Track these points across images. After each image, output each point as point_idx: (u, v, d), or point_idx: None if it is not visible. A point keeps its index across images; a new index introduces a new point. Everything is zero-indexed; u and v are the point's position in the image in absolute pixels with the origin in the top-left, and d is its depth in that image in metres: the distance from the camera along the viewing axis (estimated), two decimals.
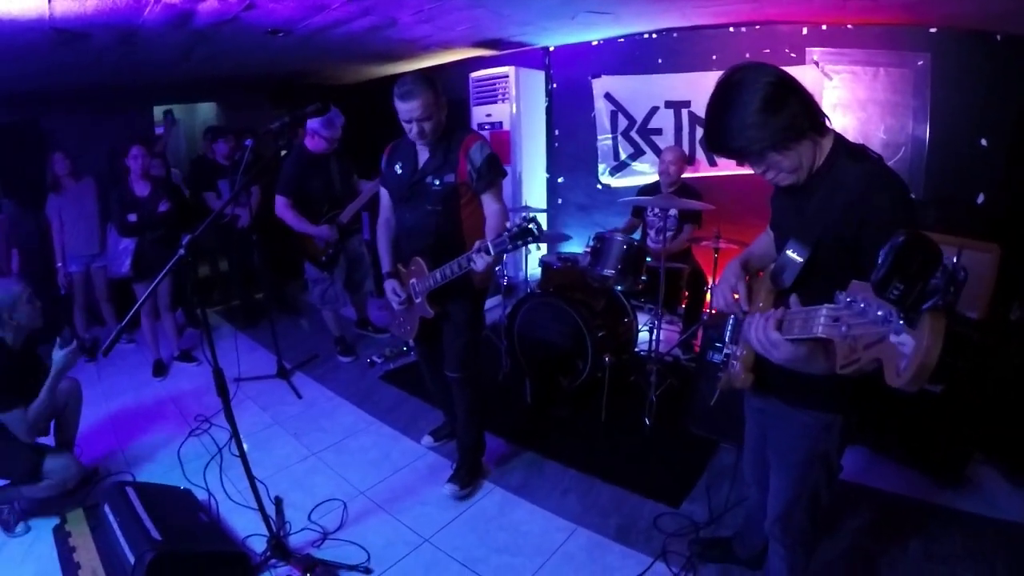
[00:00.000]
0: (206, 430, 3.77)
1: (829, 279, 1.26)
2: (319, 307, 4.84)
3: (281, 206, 4.27)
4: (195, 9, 3.58)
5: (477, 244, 2.40)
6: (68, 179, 4.89)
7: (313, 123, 4.30)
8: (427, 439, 3.60)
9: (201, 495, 3.08)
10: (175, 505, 2.79)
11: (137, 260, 4.44)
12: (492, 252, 2.36)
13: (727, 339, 1.94)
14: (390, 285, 2.89)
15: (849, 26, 4.40)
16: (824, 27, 4.47)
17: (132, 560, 2.25)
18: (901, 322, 1.00)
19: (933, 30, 4.15)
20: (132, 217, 4.36)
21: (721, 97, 1.47)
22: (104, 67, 4.89)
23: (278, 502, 3.03)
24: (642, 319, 4.45)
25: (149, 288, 2.38)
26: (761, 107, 1.40)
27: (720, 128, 1.48)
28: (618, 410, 3.71)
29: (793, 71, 1.47)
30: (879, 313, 1.03)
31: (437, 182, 2.67)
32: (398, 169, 2.81)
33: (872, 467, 3.13)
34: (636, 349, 4.29)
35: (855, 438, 2.89)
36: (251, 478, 2.49)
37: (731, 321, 1.92)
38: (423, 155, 2.73)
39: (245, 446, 2.50)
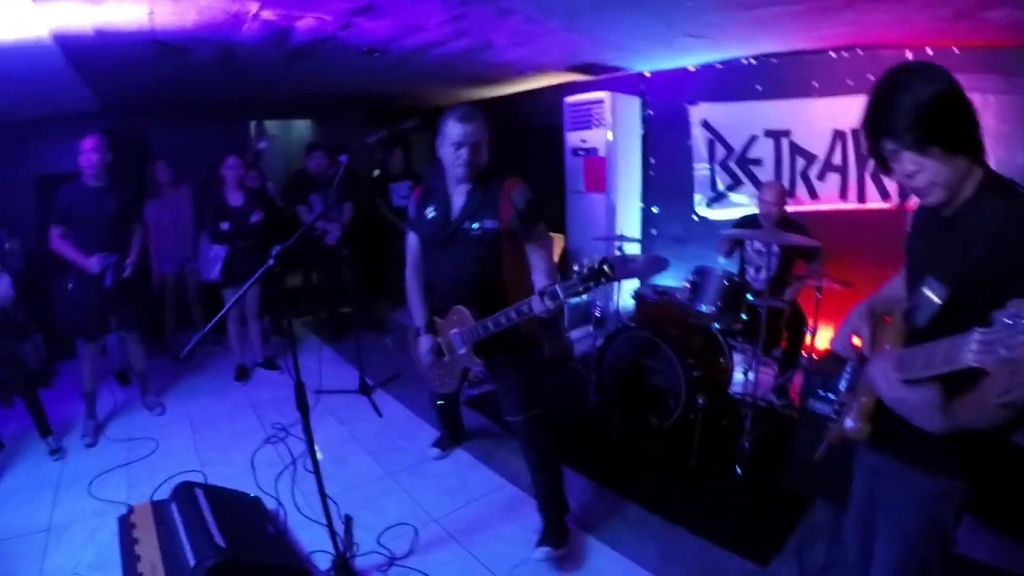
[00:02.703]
0: (282, 439, 3.76)
1: (968, 321, 1.13)
2: None
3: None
4: (292, 27, 3.67)
5: (541, 288, 2.22)
6: (168, 187, 5.11)
7: None
8: (433, 451, 3.61)
9: (270, 504, 3.05)
10: (243, 512, 2.76)
11: (227, 267, 4.55)
12: (561, 296, 2.17)
13: (843, 387, 1.74)
14: (427, 343, 2.68)
15: (955, 50, 4.11)
16: (929, 51, 4.19)
17: (192, 563, 2.21)
18: None
19: None
20: (225, 225, 4.48)
21: (894, 78, 1.36)
22: (205, 82, 5.12)
23: (348, 521, 2.94)
24: (737, 360, 4.21)
25: (236, 295, 2.37)
26: (940, 96, 1.29)
27: (890, 106, 1.34)
28: (708, 455, 3.46)
29: None
30: None
31: (476, 226, 2.48)
32: (429, 213, 2.61)
33: (976, 537, 2.72)
34: (730, 391, 4.04)
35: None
36: (323, 495, 2.41)
37: (848, 368, 1.74)
38: (457, 199, 2.55)
39: (319, 455, 2.42)
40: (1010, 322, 0.98)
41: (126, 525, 2.71)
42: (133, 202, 4.09)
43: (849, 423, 1.62)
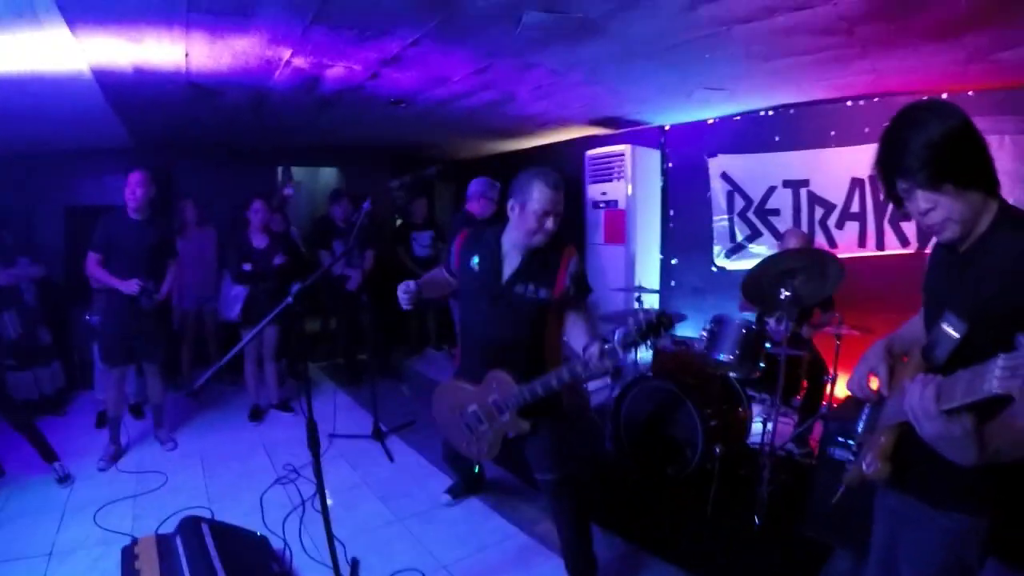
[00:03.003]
0: (293, 480, 3.73)
1: (986, 357, 1.10)
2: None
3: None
4: (322, 75, 3.80)
5: (593, 346, 2.19)
6: (193, 226, 5.25)
7: (478, 187, 4.72)
8: (445, 497, 3.53)
9: (277, 543, 3.00)
10: (248, 550, 2.73)
11: (247, 307, 4.61)
12: (620, 351, 2.15)
13: (860, 429, 1.70)
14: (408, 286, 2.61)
15: (970, 93, 4.12)
16: (944, 95, 4.20)
17: None
18: None
19: None
20: (247, 266, 4.57)
21: (906, 117, 1.37)
22: (235, 126, 5.28)
23: (354, 564, 2.87)
24: (756, 410, 4.12)
25: (253, 331, 2.43)
26: (952, 134, 1.29)
27: (902, 146, 1.35)
28: (726, 505, 3.36)
29: None
30: None
31: (530, 292, 2.46)
32: (475, 264, 2.58)
33: None
34: (748, 441, 3.96)
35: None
36: (330, 536, 2.38)
37: (866, 410, 1.70)
38: (511, 259, 2.52)
39: (329, 502, 2.39)
40: None
41: (129, 556, 2.69)
42: (170, 237, 4.21)
43: (868, 464, 1.56)
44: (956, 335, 1.35)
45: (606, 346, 2.16)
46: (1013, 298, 1.27)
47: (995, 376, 1.03)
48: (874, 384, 1.58)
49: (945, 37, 3.11)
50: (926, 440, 1.24)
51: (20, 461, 3.82)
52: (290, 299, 2.22)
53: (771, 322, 4.21)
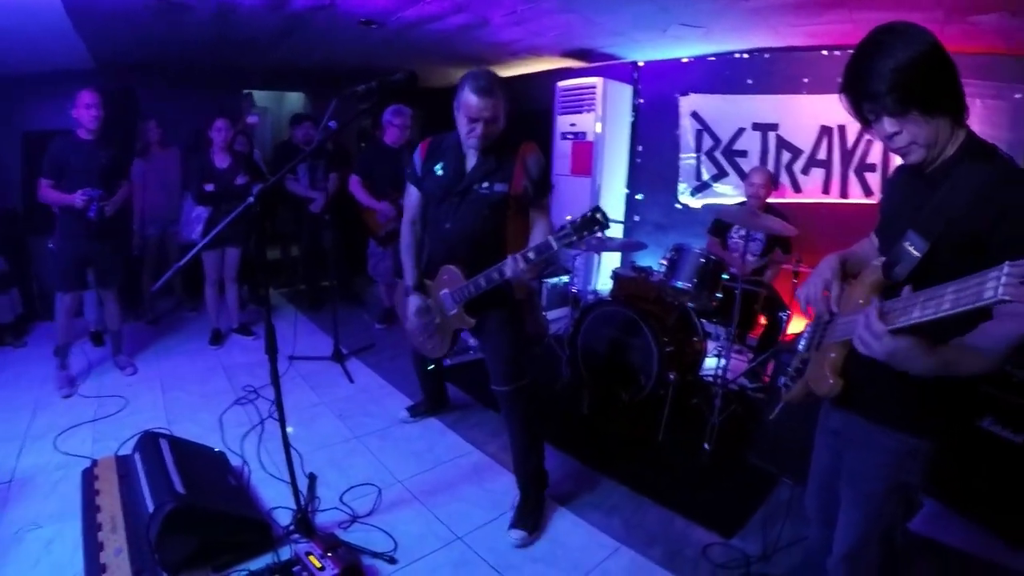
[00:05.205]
0: (252, 400, 3.74)
1: (948, 276, 1.13)
2: (374, 278, 5.22)
3: (354, 183, 4.80)
4: None
5: (534, 244, 2.27)
6: (157, 146, 5.07)
7: (384, 115, 4.79)
8: (403, 414, 3.64)
9: (235, 461, 3.02)
10: (206, 464, 2.74)
11: (208, 229, 4.50)
12: (555, 246, 2.20)
13: (802, 347, 1.74)
14: (416, 302, 2.67)
15: None
16: None
17: (151, 508, 2.20)
18: None
19: None
20: (209, 187, 4.47)
21: (875, 40, 1.35)
22: (200, 45, 5.04)
23: (312, 478, 2.93)
24: (711, 347, 4.22)
25: (212, 233, 2.38)
26: (919, 59, 1.27)
27: (867, 69, 1.34)
28: (677, 431, 3.48)
29: None
30: None
31: (486, 186, 2.46)
32: (438, 170, 2.55)
33: (943, 521, 2.75)
34: (702, 373, 4.06)
35: (928, 489, 2.52)
36: (287, 444, 2.43)
37: (808, 328, 1.75)
38: (471, 159, 2.51)
39: (291, 430, 2.42)
40: None
41: (89, 478, 2.70)
42: (124, 158, 4.03)
43: (819, 378, 1.59)
44: (917, 254, 1.37)
45: (542, 240, 2.23)
46: (974, 224, 1.28)
47: (1001, 283, 1.00)
48: (825, 295, 1.59)
49: None
50: (882, 359, 1.25)
51: None
52: (251, 199, 2.15)
53: (735, 237, 4.27)
